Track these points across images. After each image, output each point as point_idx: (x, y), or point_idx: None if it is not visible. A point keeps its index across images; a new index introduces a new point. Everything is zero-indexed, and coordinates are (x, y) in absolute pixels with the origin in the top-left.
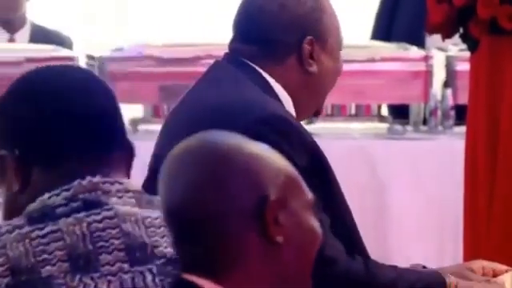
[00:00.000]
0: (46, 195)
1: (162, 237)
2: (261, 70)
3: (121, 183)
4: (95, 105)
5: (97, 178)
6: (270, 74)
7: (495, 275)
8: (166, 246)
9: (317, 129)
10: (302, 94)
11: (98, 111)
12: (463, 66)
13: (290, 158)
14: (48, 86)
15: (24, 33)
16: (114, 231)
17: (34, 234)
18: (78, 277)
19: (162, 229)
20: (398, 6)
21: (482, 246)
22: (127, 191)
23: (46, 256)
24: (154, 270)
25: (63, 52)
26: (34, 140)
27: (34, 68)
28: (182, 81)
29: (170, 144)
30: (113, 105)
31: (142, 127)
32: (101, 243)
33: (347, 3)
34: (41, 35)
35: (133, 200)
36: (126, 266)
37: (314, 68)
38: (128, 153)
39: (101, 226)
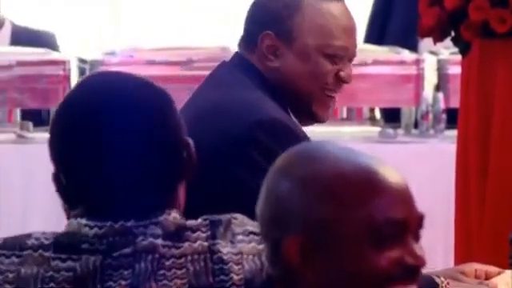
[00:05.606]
0: (83, 221)
1: (172, 280)
2: (255, 66)
3: (156, 223)
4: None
5: (130, 222)
6: (255, 64)
7: (488, 278)
8: None
9: (308, 132)
10: (282, 90)
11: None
12: (455, 70)
13: None
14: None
15: (4, 33)
16: (126, 272)
17: (54, 263)
18: None
19: (173, 271)
20: (390, 9)
21: (474, 249)
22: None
23: (52, 285)
24: None
25: (55, 55)
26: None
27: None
28: (174, 84)
29: None
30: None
31: None
32: (110, 283)
33: None
34: (23, 35)
35: (159, 231)
36: None
37: (273, 64)
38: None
39: (114, 263)
